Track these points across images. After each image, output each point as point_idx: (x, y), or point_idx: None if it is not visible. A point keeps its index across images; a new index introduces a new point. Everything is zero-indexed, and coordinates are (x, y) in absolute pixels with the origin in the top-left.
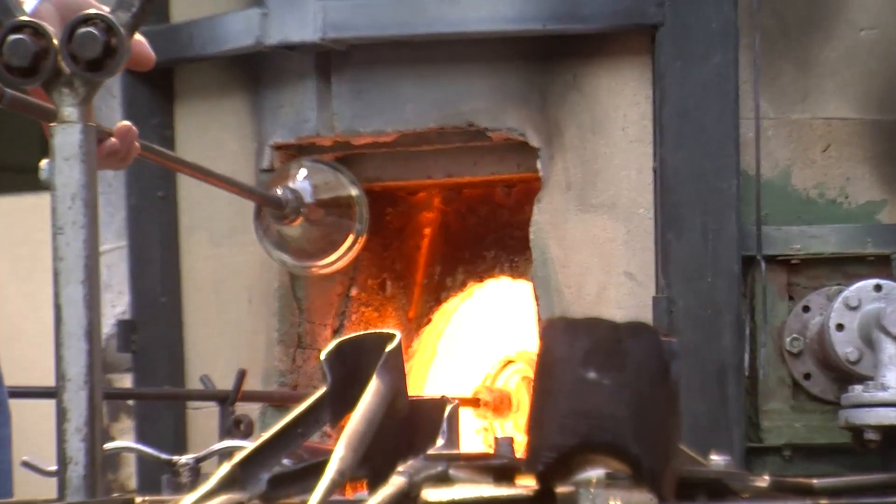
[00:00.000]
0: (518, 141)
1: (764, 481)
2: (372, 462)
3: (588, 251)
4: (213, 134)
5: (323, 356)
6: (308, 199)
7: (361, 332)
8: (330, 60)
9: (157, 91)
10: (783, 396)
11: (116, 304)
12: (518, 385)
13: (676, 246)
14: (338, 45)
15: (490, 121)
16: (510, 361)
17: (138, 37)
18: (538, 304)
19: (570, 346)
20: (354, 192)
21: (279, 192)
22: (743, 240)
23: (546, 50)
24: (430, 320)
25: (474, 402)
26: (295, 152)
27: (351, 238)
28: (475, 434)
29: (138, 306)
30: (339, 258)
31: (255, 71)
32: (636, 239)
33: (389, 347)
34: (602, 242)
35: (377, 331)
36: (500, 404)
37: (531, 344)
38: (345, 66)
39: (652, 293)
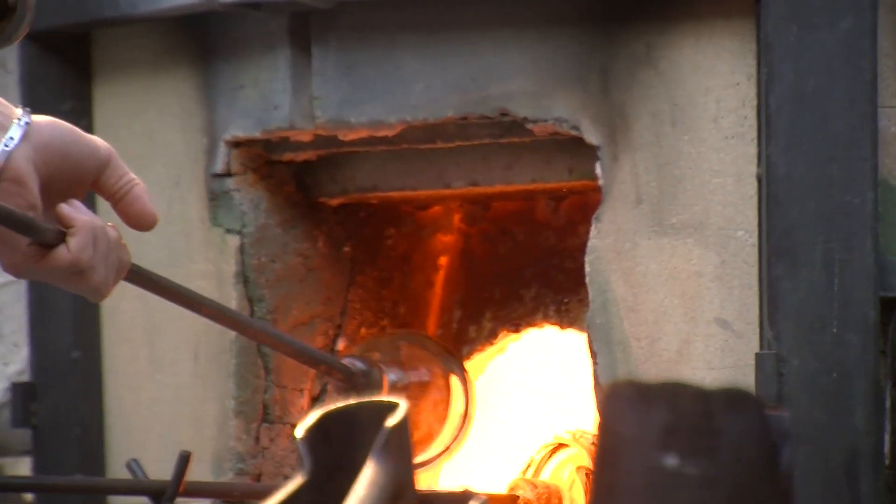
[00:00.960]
0: (569, 136)
1: None
2: None
3: (666, 290)
4: (145, 124)
5: (298, 433)
6: (392, 377)
7: (353, 402)
8: (309, 23)
9: (69, 66)
10: None
11: (10, 361)
12: (571, 477)
13: (789, 283)
14: (321, 2)
15: (530, 108)
16: (560, 445)
17: (138, 193)
18: (596, 364)
19: (641, 422)
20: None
21: (351, 362)
22: (882, 276)
23: (609, 10)
24: None
25: (511, 500)
26: (261, 150)
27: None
28: None
29: (41, 364)
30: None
31: (206, 38)
32: (733, 273)
33: (392, 422)
34: (686, 278)
35: (375, 398)
36: (547, 503)
37: (588, 420)
38: (329, 30)
39: (755, 349)
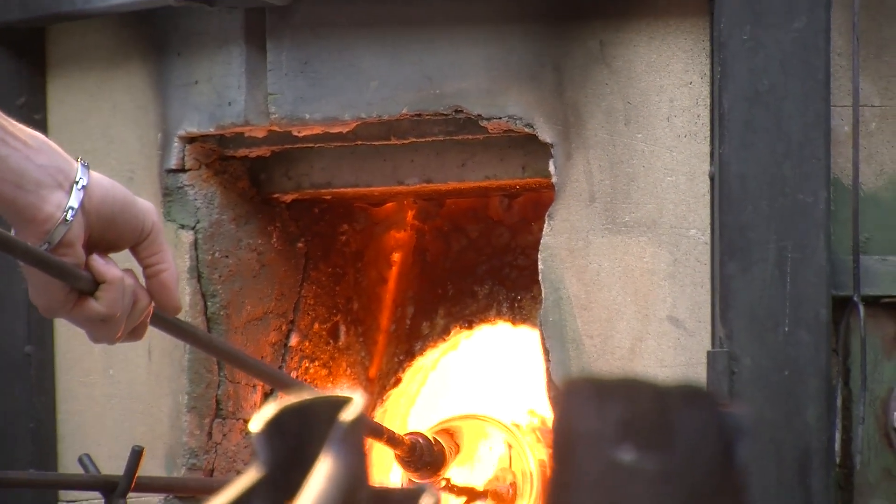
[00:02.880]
0: (523, 134)
1: None
2: None
3: (619, 287)
4: (100, 119)
5: (254, 428)
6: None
7: (309, 396)
8: (264, 19)
9: (24, 60)
10: (889, 493)
11: None
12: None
13: (741, 281)
14: None
15: (484, 106)
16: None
17: (167, 282)
18: (549, 361)
19: (598, 418)
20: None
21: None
22: (834, 275)
23: (563, 7)
24: (399, 380)
25: (479, 495)
26: (215, 146)
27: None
28: None
29: None
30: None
31: (160, 33)
32: (685, 271)
33: (347, 416)
34: (638, 276)
35: (330, 394)
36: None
37: (541, 414)
38: (285, 26)
39: (707, 346)
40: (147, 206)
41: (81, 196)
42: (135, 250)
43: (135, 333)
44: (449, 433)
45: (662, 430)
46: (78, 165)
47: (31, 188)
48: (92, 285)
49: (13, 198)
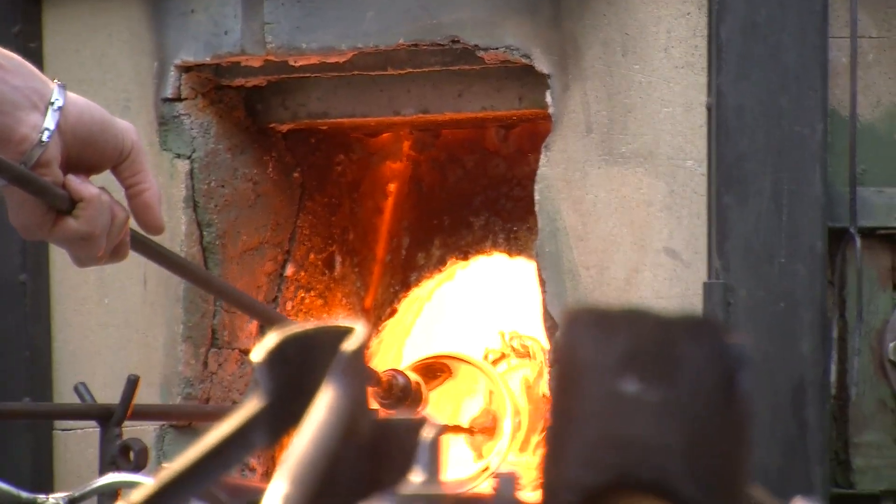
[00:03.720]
0: (520, 64)
1: None
2: (324, 503)
3: (615, 219)
4: (95, 48)
5: (256, 357)
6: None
7: (311, 326)
8: None
9: None
10: (884, 425)
11: None
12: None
13: (738, 213)
14: None
15: (481, 36)
16: (500, 358)
17: (149, 202)
18: (545, 292)
19: (601, 347)
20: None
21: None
22: (831, 206)
23: None
24: (394, 311)
25: (465, 431)
26: (211, 75)
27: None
28: (465, 466)
29: None
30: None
31: None
32: (682, 203)
33: (349, 346)
34: (635, 207)
35: (331, 324)
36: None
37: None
38: None
39: (703, 278)
40: (126, 125)
41: (58, 117)
42: (116, 171)
43: (117, 253)
44: (432, 369)
45: (666, 361)
46: (54, 86)
47: (6, 109)
48: (69, 204)
49: None
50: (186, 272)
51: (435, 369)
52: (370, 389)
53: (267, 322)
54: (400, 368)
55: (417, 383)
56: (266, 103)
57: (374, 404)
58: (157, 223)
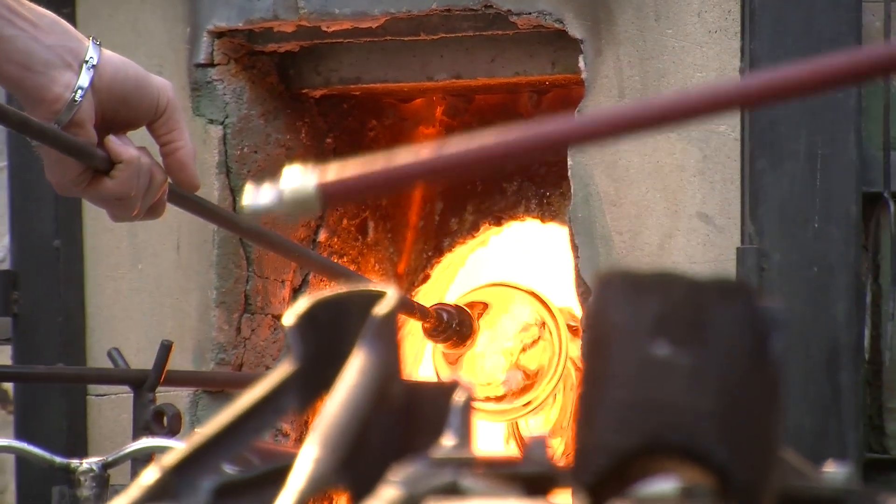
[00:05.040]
0: (553, 29)
1: None
2: (355, 467)
3: (648, 184)
4: (128, 13)
5: (288, 321)
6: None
7: (342, 290)
8: None
9: None
10: None
11: None
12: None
13: (771, 178)
14: None
15: (514, 1)
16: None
17: (184, 160)
18: (577, 258)
19: (633, 311)
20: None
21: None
22: (865, 171)
23: None
24: (427, 277)
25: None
26: (244, 41)
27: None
28: (497, 433)
29: (22, 252)
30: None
31: None
32: (715, 168)
33: (381, 310)
34: (668, 172)
35: (364, 287)
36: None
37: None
38: None
39: (736, 243)
40: (162, 82)
41: (92, 75)
42: (151, 128)
43: (153, 211)
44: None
45: (697, 325)
46: (89, 44)
47: (39, 69)
48: (108, 164)
49: (21, 79)
50: (229, 223)
51: (475, 307)
52: (422, 325)
53: (319, 271)
54: (444, 302)
55: (467, 313)
56: (299, 69)
57: (429, 341)
58: (192, 181)
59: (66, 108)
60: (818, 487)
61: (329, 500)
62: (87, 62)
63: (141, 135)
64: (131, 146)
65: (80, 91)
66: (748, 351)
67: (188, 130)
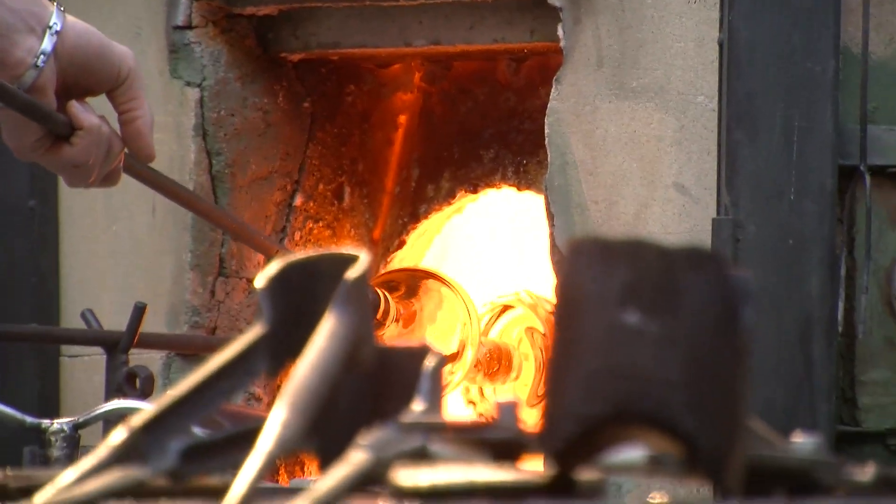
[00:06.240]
0: None
1: (866, 473)
2: (324, 431)
3: (625, 153)
4: None
5: (259, 284)
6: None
7: (313, 254)
8: None
9: None
10: (890, 363)
11: None
12: (519, 336)
13: (748, 149)
14: None
15: None
16: (507, 307)
17: (141, 130)
18: (553, 225)
19: (603, 278)
20: None
21: None
22: (841, 144)
23: None
24: (403, 243)
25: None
26: (222, 3)
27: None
28: (463, 402)
29: None
30: None
31: None
32: (692, 138)
33: (352, 274)
34: (645, 142)
35: (335, 251)
36: (496, 364)
37: (541, 281)
38: None
39: (712, 214)
40: (124, 51)
41: (54, 41)
42: (111, 96)
43: (108, 179)
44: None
45: (667, 293)
46: (53, 9)
47: (2, 32)
48: (68, 130)
49: None
50: (180, 198)
51: (392, 285)
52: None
53: (256, 248)
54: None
55: (375, 293)
56: (277, 33)
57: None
58: (148, 151)
59: (27, 72)
60: (785, 457)
61: (301, 464)
62: (50, 28)
63: (99, 103)
64: (92, 113)
65: (42, 56)
66: (717, 320)
67: (163, 97)
